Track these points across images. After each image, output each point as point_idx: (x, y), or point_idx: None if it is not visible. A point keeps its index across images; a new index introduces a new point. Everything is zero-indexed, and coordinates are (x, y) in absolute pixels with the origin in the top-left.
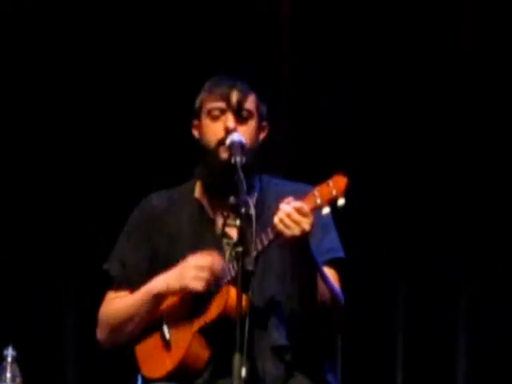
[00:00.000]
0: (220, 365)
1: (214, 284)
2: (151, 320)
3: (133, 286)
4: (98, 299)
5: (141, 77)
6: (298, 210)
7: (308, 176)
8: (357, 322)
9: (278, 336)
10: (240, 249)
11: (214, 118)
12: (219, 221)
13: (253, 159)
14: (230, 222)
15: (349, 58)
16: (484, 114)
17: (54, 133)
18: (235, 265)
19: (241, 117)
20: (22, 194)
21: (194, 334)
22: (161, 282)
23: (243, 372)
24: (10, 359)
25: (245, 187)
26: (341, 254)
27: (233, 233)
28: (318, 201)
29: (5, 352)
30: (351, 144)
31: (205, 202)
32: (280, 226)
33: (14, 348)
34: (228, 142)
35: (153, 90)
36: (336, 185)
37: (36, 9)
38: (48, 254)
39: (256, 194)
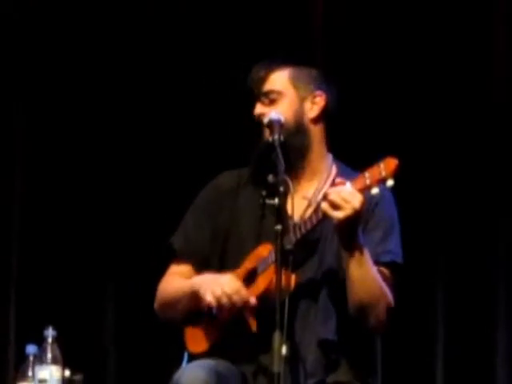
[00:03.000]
0: (262, 342)
1: (228, 306)
2: (194, 308)
3: (195, 260)
4: (138, 278)
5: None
6: (347, 191)
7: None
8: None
9: (325, 329)
10: (279, 227)
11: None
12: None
13: (299, 138)
14: (268, 201)
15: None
16: None
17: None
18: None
19: (267, 100)
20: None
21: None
22: (199, 281)
23: (284, 350)
24: (50, 340)
25: (283, 165)
26: (400, 259)
27: (296, 215)
28: (368, 181)
29: (45, 332)
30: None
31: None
32: (330, 209)
33: (54, 328)
34: (266, 120)
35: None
36: (386, 166)
37: (36, 9)
38: (88, 234)
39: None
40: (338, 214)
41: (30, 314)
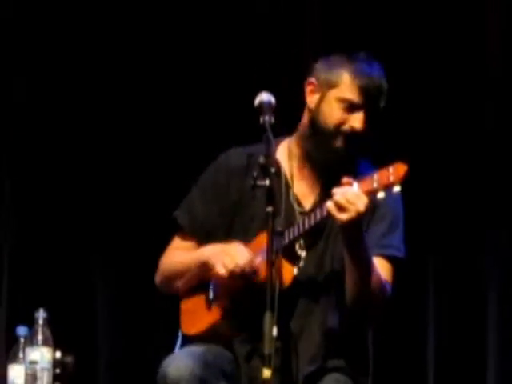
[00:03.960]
0: (257, 327)
1: (240, 278)
2: (201, 280)
3: (199, 237)
4: (129, 259)
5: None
6: (353, 192)
7: None
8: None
9: (329, 319)
10: (270, 209)
11: (346, 109)
12: (295, 187)
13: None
14: (258, 182)
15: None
16: None
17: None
18: (290, 233)
19: (370, 115)
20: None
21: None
22: (207, 253)
23: (274, 331)
24: (41, 321)
25: (274, 147)
26: (402, 254)
27: (305, 201)
28: (375, 184)
29: (36, 314)
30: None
31: (284, 164)
32: (335, 209)
33: (45, 310)
34: (257, 101)
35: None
36: (395, 171)
37: (36, 12)
38: (78, 216)
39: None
40: (342, 216)
41: (21, 296)
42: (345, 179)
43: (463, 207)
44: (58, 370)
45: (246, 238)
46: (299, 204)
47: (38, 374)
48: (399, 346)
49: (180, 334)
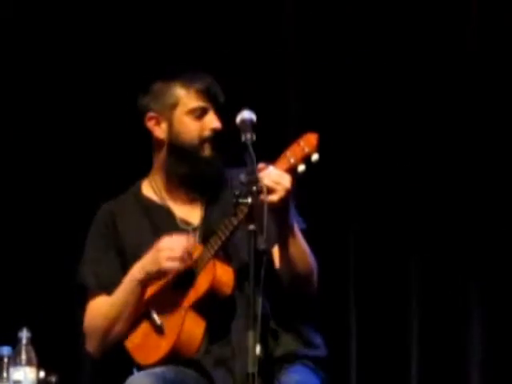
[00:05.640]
0: (215, 335)
1: (189, 259)
2: (138, 312)
3: (112, 289)
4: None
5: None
6: (276, 173)
7: None
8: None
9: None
10: (252, 227)
11: (197, 118)
12: (176, 211)
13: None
14: (241, 200)
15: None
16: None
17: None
18: (218, 239)
19: (218, 112)
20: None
21: (186, 310)
22: (139, 269)
23: (257, 349)
24: (24, 341)
25: (255, 165)
26: (304, 225)
27: (192, 219)
28: (292, 160)
29: (19, 334)
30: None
31: (156, 198)
32: (264, 193)
33: (29, 330)
34: (238, 119)
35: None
36: (307, 142)
37: (36, 13)
38: (62, 234)
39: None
40: (273, 198)
41: (4, 316)
42: (260, 165)
43: (447, 208)
44: None
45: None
46: (187, 223)
47: None
48: (382, 354)
49: (135, 369)
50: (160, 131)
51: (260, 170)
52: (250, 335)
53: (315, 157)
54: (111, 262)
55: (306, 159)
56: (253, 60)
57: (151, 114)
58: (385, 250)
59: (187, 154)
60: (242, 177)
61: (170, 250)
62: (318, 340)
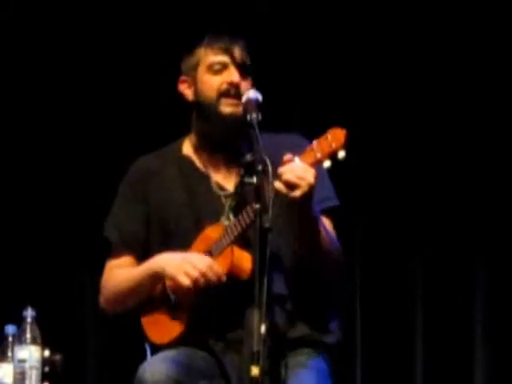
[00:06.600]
0: (229, 320)
1: (203, 284)
2: (155, 291)
3: (135, 249)
4: None
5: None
6: (301, 167)
7: None
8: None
9: (277, 286)
10: (258, 206)
11: (216, 72)
12: (212, 175)
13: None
14: (246, 179)
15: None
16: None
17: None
18: (238, 224)
19: (243, 72)
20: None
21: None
22: (161, 262)
23: (262, 328)
24: (29, 320)
25: (261, 144)
26: (335, 201)
27: (227, 185)
28: (318, 155)
29: (24, 313)
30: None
31: (195, 158)
32: (286, 189)
33: (34, 309)
34: (244, 99)
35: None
36: (334, 137)
37: (36, 13)
38: (67, 213)
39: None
40: (295, 193)
41: (9, 295)
42: (286, 157)
43: (452, 208)
44: (46, 369)
45: (184, 238)
46: (222, 189)
47: (27, 373)
48: (386, 365)
49: (147, 346)
50: (189, 93)
51: (286, 162)
52: (255, 313)
53: (342, 154)
54: (136, 218)
55: (333, 155)
56: (253, 60)
57: (182, 77)
58: (390, 249)
59: (207, 110)
60: (248, 156)
61: (191, 267)
62: (333, 325)
